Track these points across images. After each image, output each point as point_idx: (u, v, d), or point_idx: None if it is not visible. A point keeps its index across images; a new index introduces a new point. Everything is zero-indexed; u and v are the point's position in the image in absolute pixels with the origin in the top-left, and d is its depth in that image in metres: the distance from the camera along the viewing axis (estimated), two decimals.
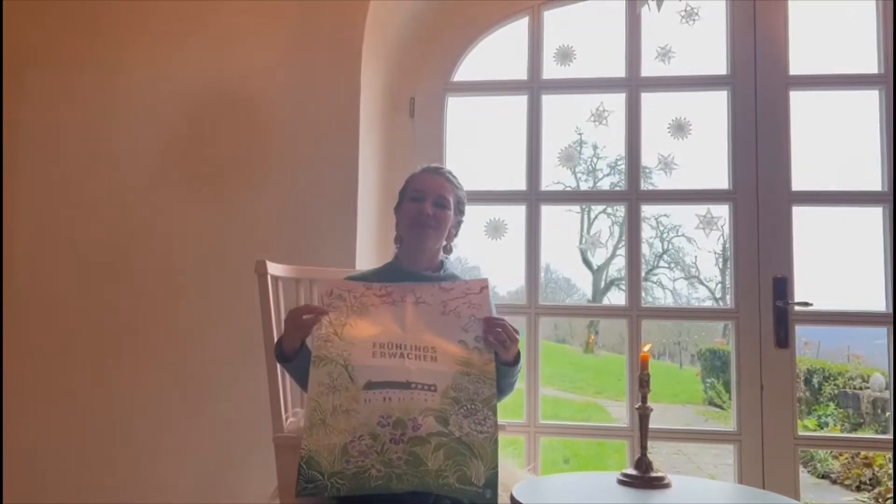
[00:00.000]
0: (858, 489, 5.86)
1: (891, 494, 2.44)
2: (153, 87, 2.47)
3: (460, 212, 1.87)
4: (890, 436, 2.39)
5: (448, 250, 1.88)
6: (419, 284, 1.68)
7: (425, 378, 1.51)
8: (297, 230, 2.37)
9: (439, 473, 1.43)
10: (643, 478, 1.61)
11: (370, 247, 2.48)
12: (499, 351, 1.58)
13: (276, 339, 1.86)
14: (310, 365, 1.54)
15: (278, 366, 1.82)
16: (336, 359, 1.53)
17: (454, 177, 1.87)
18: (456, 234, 1.89)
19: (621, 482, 1.62)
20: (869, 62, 2.51)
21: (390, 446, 1.45)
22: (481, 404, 1.50)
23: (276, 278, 1.94)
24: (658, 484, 1.60)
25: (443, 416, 1.47)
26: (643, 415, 1.66)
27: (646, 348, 1.71)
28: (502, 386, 1.64)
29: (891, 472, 2.38)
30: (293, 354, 1.65)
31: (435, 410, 1.48)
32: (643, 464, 1.62)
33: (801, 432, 2.39)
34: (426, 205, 1.77)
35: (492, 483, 1.43)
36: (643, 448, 1.65)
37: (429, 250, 1.81)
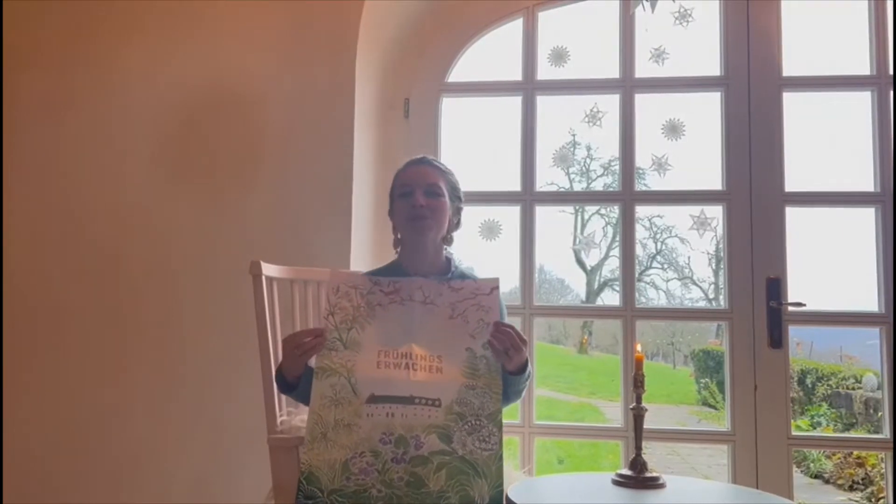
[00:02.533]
0: (851, 489, 5.88)
1: (883, 494, 2.45)
2: (147, 88, 2.47)
3: (457, 198, 1.77)
4: (881, 435, 2.40)
5: (448, 241, 1.77)
6: (428, 281, 1.62)
7: (429, 392, 1.47)
8: (291, 231, 2.36)
9: (441, 495, 1.40)
10: (638, 478, 1.61)
11: (364, 247, 2.48)
12: (502, 359, 1.53)
13: (270, 343, 1.85)
14: (312, 381, 1.50)
15: (272, 365, 1.81)
16: (339, 370, 1.50)
17: (441, 163, 1.78)
18: (458, 224, 1.79)
19: (616, 483, 1.62)
20: (861, 64, 2.52)
21: (391, 465, 1.42)
22: (486, 420, 1.46)
23: (270, 279, 1.94)
24: (652, 484, 1.60)
25: (446, 433, 1.45)
26: (638, 415, 1.66)
27: (637, 347, 1.71)
28: (508, 393, 1.58)
29: (883, 471, 2.39)
30: (297, 382, 1.57)
31: (438, 427, 1.45)
32: (638, 464, 1.62)
33: (794, 432, 2.40)
34: (417, 196, 1.68)
35: (496, 501, 1.41)
36: (638, 448, 1.65)
37: (430, 244, 1.71)
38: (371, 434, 1.44)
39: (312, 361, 1.58)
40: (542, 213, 2.62)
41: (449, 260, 1.76)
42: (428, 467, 1.42)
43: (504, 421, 1.46)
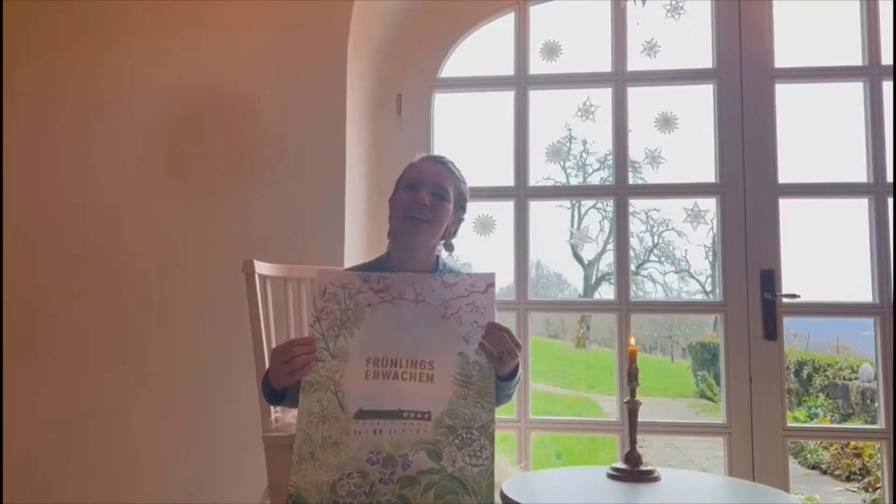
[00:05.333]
0: (848, 479, 5.91)
1: (880, 484, 2.46)
2: (140, 88, 2.46)
3: (461, 208, 1.68)
4: (878, 426, 2.40)
5: (449, 248, 1.70)
6: (420, 277, 1.55)
7: (419, 404, 1.43)
8: (285, 229, 2.36)
9: None
10: (632, 472, 1.61)
11: (358, 244, 2.48)
12: (496, 363, 1.46)
13: (264, 341, 1.85)
14: (299, 390, 1.45)
15: (266, 363, 1.81)
16: (327, 384, 1.44)
17: (456, 168, 1.69)
18: (455, 233, 1.71)
19: (611, 476, 1.62)
20: (854, 54, 2.52)
21: (379, 487, 1.38)
22: (478, 432, 1.41)
23: (263, 277, 1.94)
24: (647, 477, 1.60)
25: (435, 449, 1.40)
26: (632, 409, 1.66)
27: (631, 341, 1.71)
28: (498, 397, 1.53)
29: (879, 461, 2.40)
30: (284, 392, 1.51)
31: (427, 443, 1.40)
32: (632, 458, 1.63)
33: (791, 423, 2.41)
34: (422, 194, 1.59)
35: None
36: (632, 442, 1.65)
37: (423, 246, 1.63)
38: (359, 453, 1.40)
39: None
40: (538, 208, 2.62)
41: (437, 257, 1.69)
42: (416, 488, 1.38)
43: (500, 416, 1.44)
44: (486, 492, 1.38)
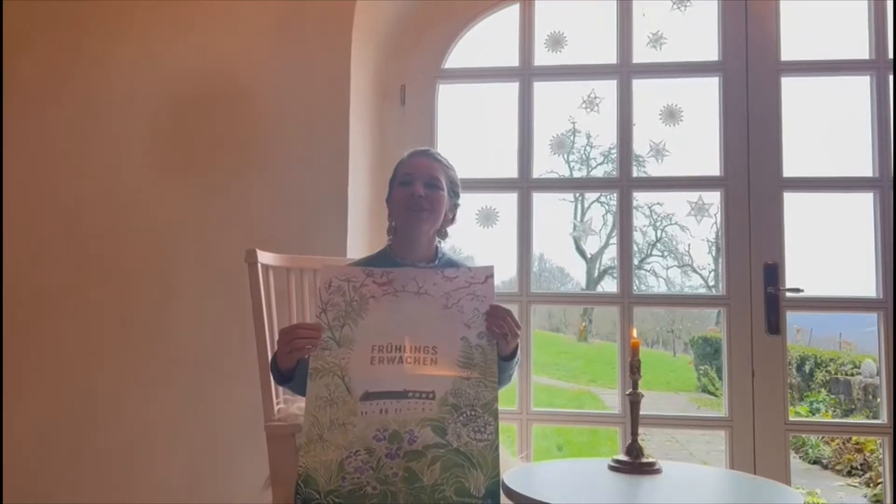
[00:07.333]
0: (849, 474, 5.92)
1: (881, 479, 2.45)
2: (141, 78, 2.45)
3: (455, 194, 1.79)
4: (879, 421, 2.40)
5: (443, 235, 1.80)
6: (421, 271, 1.62)
7: (423, 385, 1.47)
8: (288, 219, 2.36)
9: (435, 488, 1.40)
10: (634, 463, 1.60)
11: (361, 235, 2.48)
12: (499, 342, 1.54)
13: (266, 331, 1.85)
14: (307, 377, 1.50)
15: (269, 354, 1.81)
16: (333, 370, 1.49)
17: (443, 157, 1.80)
18: (453, 219, 1.81)
19: (612, 468, 1.62)
20: (860, 48, 2.50)
21: (386, 461, 1.42)
22: (482, 409, 1.46)
23: (266, 267, 1.94)
24: (648, 469, 1.60)
25: (440, 425, 1.44)
26: (634, 401, 1.66)
27: (633, 333, 1.71)
28: (501, 378, 1.60)
29: (881, 456, 2.40)
30: (291, 374, 1.58)
31: (432, 420, 1.45)
32: (634, 450, 1.62)
33: (791, 418, 2.40)
34: (416, 186, 1.70)
35: (493, 492, 1.40)
36: (634, 434, 1.65)
37: (424, 235, 1.74)
38: (365, 432, 1.44)
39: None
40: (542, 201, 2.61)
41: (436, 248, 1.78)
42: (422, 461, 1.42)
43: (502, 408, 1.47)
44: (492, 465, 1.42)
